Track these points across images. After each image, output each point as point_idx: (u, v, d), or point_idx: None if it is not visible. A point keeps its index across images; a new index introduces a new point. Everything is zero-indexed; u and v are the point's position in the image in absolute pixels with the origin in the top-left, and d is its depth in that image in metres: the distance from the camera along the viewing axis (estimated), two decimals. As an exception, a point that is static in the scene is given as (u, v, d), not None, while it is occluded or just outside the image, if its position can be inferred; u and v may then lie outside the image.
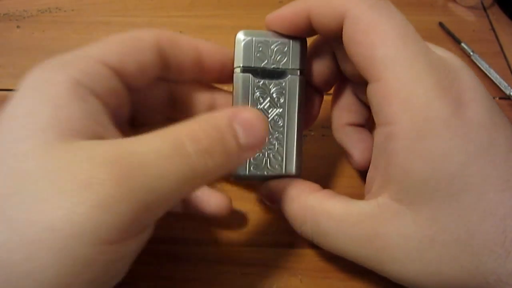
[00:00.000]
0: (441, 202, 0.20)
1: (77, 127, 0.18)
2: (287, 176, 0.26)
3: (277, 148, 0.25)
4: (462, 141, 0.20)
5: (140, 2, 0.42)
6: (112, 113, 0.22)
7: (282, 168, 0.25)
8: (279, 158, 0.25)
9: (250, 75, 0.25)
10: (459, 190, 0.20)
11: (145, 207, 0.17)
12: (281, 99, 0.25)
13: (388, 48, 0.20)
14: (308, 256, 0.29)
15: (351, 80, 0.27)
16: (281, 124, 0.25)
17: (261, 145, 0.21)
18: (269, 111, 0.25)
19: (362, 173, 0.32)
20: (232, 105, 0.25)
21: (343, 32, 0.22)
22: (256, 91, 0.25)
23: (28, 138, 0.17)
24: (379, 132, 0.22)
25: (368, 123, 0.29)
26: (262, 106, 0.25)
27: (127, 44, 0.23)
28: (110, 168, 0.16)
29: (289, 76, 0.25)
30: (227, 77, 0.26)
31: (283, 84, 0.25)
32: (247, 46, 0.25)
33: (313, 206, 0.24)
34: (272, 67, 0.25)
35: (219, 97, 0.27)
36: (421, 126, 0.20)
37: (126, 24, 0.40)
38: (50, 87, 0.19)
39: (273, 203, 0.26)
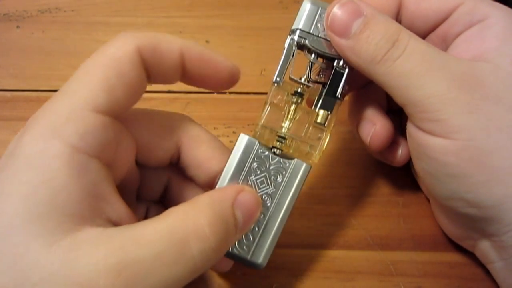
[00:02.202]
0: None
1: (76, 211, 0.18)
2: (250, 263, 0.23)
3: (253, 228, 0.23)
4: None
5: (140, 2, 0.42)
6: (115, 165, 0.21)
7: (249, 252, 0.23)
8: (251, 239, 0.23)
9: (257, 142, 0.24)
10: None
11: None
12: (278, 178, 0.23)
13: None
14: (308, 256, 0.29)
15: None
16: (268, 205, 0.23)
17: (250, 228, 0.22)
18: (261, 187, 0.23)
19: (362, 174, 0.32)
20: (226, 165, 0.23)
21: None
22: (255, 160, 0.23)
23: (26, 224, 0.17)
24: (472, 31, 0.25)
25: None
26: (255, 178, 0.23)
27: (111, 74, 0.20)
28: (112, 278, 0.17)
29: (296, 160, 0.24)
30: (218, 83, 0.24)
31: (287, 164, 0.24)
32: (311, 13, 0.24)
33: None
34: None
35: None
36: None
37: (126, 24, 0.40)
38: (46, 163, 0.18)
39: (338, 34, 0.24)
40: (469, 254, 0.28)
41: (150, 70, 0.22)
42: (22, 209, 0.17)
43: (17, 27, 0.40)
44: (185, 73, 0.23)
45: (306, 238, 0.29)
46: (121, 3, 0.41)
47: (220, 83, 0.24)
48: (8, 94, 0.36)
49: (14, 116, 0.34)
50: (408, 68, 0.22)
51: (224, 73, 0.23)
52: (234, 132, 0.34)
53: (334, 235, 0.30)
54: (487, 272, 0.27)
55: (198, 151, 0.24)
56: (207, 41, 0.39)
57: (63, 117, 0.19)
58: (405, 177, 0.31)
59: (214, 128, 0.34)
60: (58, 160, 0.18)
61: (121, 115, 0.21)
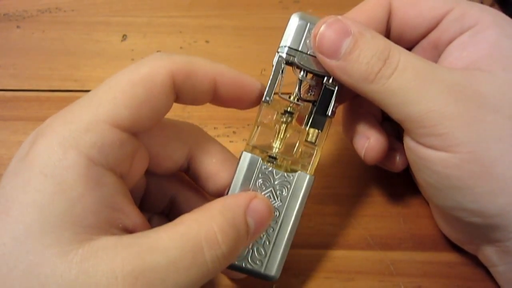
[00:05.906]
0: None
1: (92, 223, 0.18)
2: (264, 275, 0.24)
3: (264, 242, 0.24)
4: None
5: (140, 2, 0.42)
6: (127, 176, 0.21)
7: (262, 265, 0.24)
8: (263, 253, 0.24)
9: (260, 159, 0.24)
10: None
11: None
12: (283, 192, 0.24)
13: None
14: (308, 256, 0.29)
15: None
16: (276, 219, 0.24)
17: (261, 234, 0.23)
18: None
19: (361, 174, 0.32)
20: (231, 184, 0.24)
21: None
22: (260, 177, 0.24)
23: (42, 234, 0.17)
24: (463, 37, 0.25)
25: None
26: (262, 194, 0.24)
27: (139, 93, 0.20)
28: (129, 285, 0.17)
29: (299, 172, 0.24)
30: (248, 104, 0.24)
31: (290, 178, 0.24)
32: (299, 29, 0.24)
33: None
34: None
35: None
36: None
37: (126, 24, 0.40)
38: (62, 173, 0.18)
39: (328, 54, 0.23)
40: (469, 254, 0.28)
41: (181, 94, 0.22)
42: (38, 218, 0.17)
43: (17, 27, 0.40)
44: (216, 96, 0.23)
45: (306, 238, 0.29)
46: (121, 3, 0.41)
47: (250, 103, 0.24)
48: (8, 94, 0.36)
49: (14, 116, 0.34)
50: (402, 84, 0.22)
51: (255, 94, 0.24)
52: (234, 132, 0.34)
53: (334, 235, 0.30)
54: (487, 272, 0.27)
55: (207, 164, 0.24)
56: (207, 41, 0.39)
57: (83, 127, 0.19)
58: (405, 177, 0.31)
59: (214, 128, 0.34)
60: (74, 171, 0.18)
61: (140, 132, 0.21)
